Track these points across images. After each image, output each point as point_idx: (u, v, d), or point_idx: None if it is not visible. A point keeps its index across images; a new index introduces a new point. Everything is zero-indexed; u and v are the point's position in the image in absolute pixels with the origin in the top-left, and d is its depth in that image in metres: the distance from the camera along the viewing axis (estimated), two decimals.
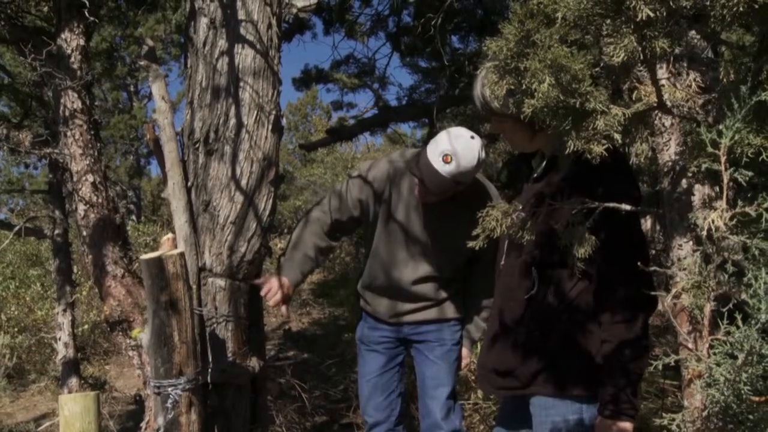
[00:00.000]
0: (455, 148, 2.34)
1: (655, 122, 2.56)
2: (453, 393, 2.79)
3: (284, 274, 2.70)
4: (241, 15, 2.62)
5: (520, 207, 1.59)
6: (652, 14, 1.12)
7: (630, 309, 1.78)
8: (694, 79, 2.39)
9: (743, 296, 1.06)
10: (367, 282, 2.83)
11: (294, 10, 2.87)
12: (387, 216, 2.67)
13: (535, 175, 1.96)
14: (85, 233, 3.05)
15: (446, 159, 2.34)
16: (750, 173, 1.14)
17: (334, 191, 2.74)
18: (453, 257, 2.66)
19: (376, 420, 2.83)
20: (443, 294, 2.74)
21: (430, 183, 2.40)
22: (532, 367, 1.92)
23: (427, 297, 2.73)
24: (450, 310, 2.77)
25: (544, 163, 1.94)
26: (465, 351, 2.84)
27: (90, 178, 3.05)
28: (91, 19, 3.14)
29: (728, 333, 1.07)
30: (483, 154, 2.39)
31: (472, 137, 2.38)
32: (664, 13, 1.14)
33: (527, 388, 1.96)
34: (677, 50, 2.26)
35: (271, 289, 2.65)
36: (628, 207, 1.44)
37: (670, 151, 2.56)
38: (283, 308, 2.73)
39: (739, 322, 1.04)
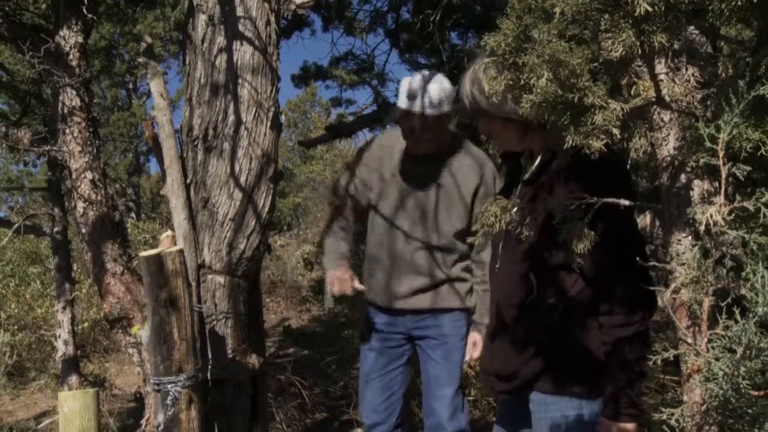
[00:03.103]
0: (414, 84, 2.60)
1: (654, 117, 2.56)
2: (459, 391, 2.75)
3: (331, 263, 2.82)
4: (239, 12, 2.62)
5: (516, 207, 1.59)
6: (650, 9, 1.12)
7: (629, 308, 1.77)
8: (693, 74, 2.39)
9: (742, 290, 1.06)
10: (366, 264, 2.87)
11: (292, 7, 2.87)
12: (380, 191, 2.78)
13: (526, 177, 1.94)
14: (84, 231, 3.05)
15: (411, 95, 2.59)
16: (748, 168, 1.14)
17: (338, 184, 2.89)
18: (443, 224, 2.71)
19: (373, 422, 2.80)
20: (438, 272, 2.72)
21: (406, 125, 2.63)
22: (534, 368, 1.91)
23: (420, 270, 2.71)
24: (447, 298, 2.73)
25: (536, 164, 1.91)
26: (477, 336, 2.73)
27: (89, 175, 3.05)
28: (90, 16, 3.14)
29: (727, 327, 1.07)
30: (446, 84, 2.63)
31: (431, 72, 2.67)
32: (663, 8, 1.14)
33: (527, 387, 1.95)
34: (676, 45, 2.26)
35: (336, 280, 2.73)
36: (626, 202, 1.44)
37: (668, 146, 2.55)
38: (356, 283, 2.77)
39: (738, 317, 1.05)
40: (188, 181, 2.70)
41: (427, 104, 2.57)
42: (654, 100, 1.33)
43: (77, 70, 3.11)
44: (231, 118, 2.63)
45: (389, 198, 2.77)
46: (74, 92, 3.08)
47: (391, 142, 2.80)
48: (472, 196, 2.69)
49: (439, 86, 2.60)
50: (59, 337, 5.14)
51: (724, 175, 1.13)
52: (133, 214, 18.01)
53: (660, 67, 2.37)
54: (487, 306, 2.67)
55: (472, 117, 2.00)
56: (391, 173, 2.77)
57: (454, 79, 5.94)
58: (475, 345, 2.74)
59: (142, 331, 2.68)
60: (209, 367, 2.54)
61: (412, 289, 2.74)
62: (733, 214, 1.11)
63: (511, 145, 1.98)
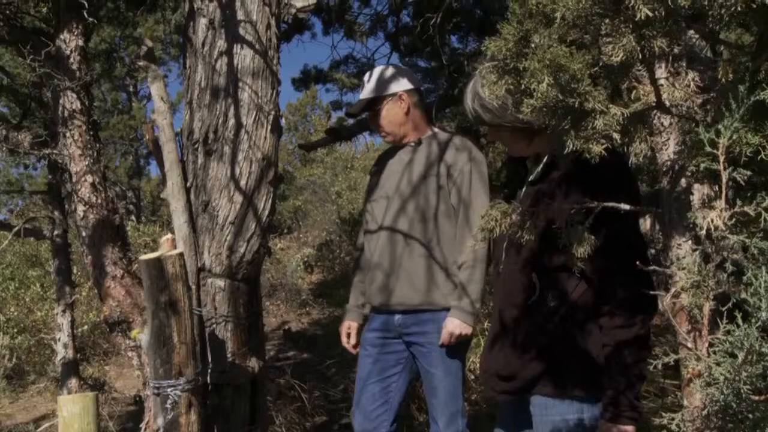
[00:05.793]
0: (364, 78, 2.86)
1: (654, 122, 2.56)
2: (455, 395, 2.71)
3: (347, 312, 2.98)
4: (240, 15, 2.63)
5: (519, 209, 1.59)
6: (650, 14, 1.12)
7: (629, 311, 1.77)
8: (693, 79, 2.39)
9: (743, 295, 1.06)
10: (368, 272, 2.85)
11: (293, 11, 2.87)
12: (378, 194, 2.88)
13: (531, 178, 1.96)
14: (84, 234, 3.05)
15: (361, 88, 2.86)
16: (749, 172, 1.14)
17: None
18: (421, 211, 2.73)
19: (364, 429, 2.78)
20: (430, 265, 2.70)
21: (368, 118, 2.86)
22: (535, 370, 1.91)
23: (417, 272, 2.69)
24: (438, 295, 2.69)
25: (541, 166, 1.93)
26: (455, 321, 2.61)
27: (89, 178, 3.05)
28: (90, 19, 3.14)
29: (728, 332, 1.07)
30: (390, 69, 2.83)
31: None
32: (663, 13, 1.14)
33: (528, 389, 1.95)
34: (676, 50, 2.27)
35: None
36: (627, 206, 1.44)
37: (669, 150, 2.56)
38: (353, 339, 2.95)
39: (739, 321, 1.04)
40: (188, 184, 2.70)
41: (369, 89, 2.77)
42: (654, 104, 1.33)
43: (78, 73, 3.11)
44: (231, 121, 2.63)
45: (386, 200, 2.80)
46: (75, 95, 3.08)
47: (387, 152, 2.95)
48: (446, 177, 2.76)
49: (380, 71, 2.80)
50: (59, 340, 5.13)
51: (724, 180, 1.13)
52: (133, 217, 18.01)
53: (660, 72, 2.38)
54: (473, 294, 2.64)
55: (478, 126, 2.03)
56: (378, 176, 2.91)
57: (455, 81, 5.95)
58: (451, 333, 2.62)
59: (142, 335, 2.68)
60: (209, 370, 2.53)
61: (403, 282, 2.72)
62: (733, 219, 1.11)
63: (521, 150, 1.99)
